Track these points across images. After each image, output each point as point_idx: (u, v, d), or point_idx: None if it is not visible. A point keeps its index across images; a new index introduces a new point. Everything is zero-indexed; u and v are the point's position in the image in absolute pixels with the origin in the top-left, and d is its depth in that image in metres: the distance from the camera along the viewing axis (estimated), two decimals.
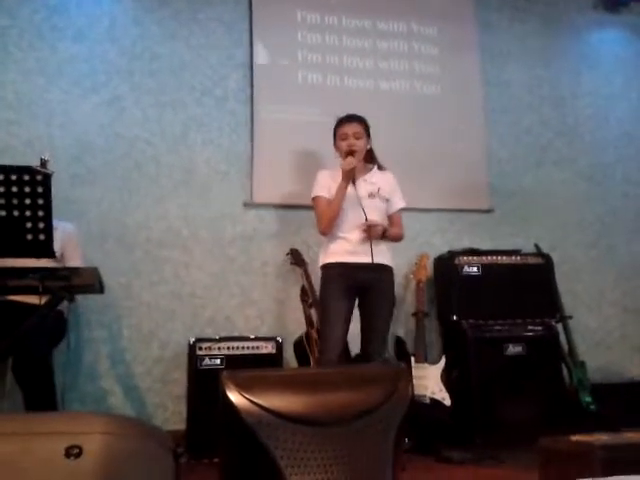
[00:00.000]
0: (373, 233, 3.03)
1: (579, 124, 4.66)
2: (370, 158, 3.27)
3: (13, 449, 1.27)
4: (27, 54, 3.72)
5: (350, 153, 3.10)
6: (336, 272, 3.08)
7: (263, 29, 4.08)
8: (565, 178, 4.55)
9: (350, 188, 3.07)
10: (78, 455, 1.26)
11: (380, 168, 3.29)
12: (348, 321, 3.08)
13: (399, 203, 3.28)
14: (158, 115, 3.87)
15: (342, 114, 3.24)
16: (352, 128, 3.16)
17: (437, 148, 4.26)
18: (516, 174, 4.46)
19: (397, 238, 3.25)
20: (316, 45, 4.17)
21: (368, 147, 3.23)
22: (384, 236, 3.12)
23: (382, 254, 3.10)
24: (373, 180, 3.19)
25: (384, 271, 3.12)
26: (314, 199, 3.21)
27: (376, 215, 3.10)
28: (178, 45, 3.97)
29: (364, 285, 3.07)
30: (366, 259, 3.01)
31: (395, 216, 3.26)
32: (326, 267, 3.14)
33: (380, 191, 3.17)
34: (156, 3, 3.97)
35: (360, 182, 3.12)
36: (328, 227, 3.12)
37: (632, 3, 4.77)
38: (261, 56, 4.05)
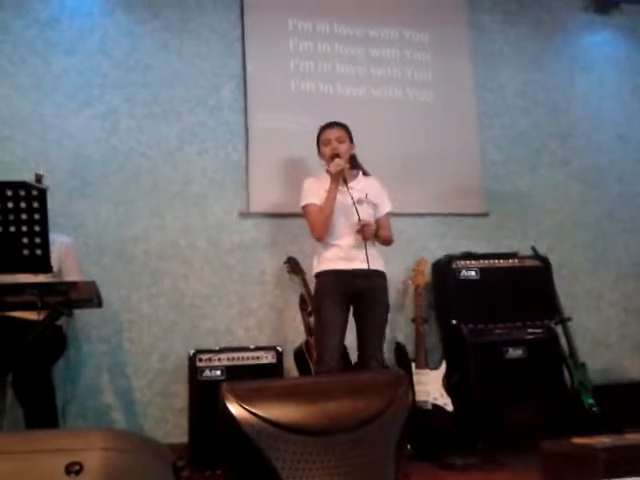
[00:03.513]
0: (367, 233, 3.02)
1: (573, 126, 4.67)
2: (354, 164, 3.28)
3: (13, 467, 1.27)
4: (20, 69, 3.72)
5: (336, 155, 3.10)
6: (331, 279, 3.07)
7: (255, 38, 4.09)
8: (560, 180, 4.56)
9: (340, 195, 3.07)
10: (79, 472, 1.26)
11: (365, 174, 3.30)
12: (345, 328, 3.07)
13: (387, 207, 3.28)
14: (153, 127, 3.88)
15: (328, 121, 3.26)
16: (334, 133, 3.17)
17: (432, 153, 4.27)
18: (511, 177, 4.47)
19: (387, 241, 3.24)
20: (308, 53, 4.18)
21: (352, 152, 3.24)
22: (376, 236, 3.12)
23: (376, 260, 3.10)
24: (359, 187, 3.19)
25: (379, 277, 3.12)
26: (304, 207, 3.20)
27: (365, 219, 3.08)
28: (171, 56, 3.98)
29: (359, 292, 3.06)
30: (361, 265, 3.01)
31: (384, 219, 3.26)
32: (321, 275, 3.13)
33: (368, 197, 3.17)
34: (147, 15, 3.98)
35: (349, 190, 3.10)
36: (323, 231, 3.11)
37: (623, 4, 4.80)
38: (254, 65, 4.06)
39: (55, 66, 3.78)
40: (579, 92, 4.74)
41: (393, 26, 4.38)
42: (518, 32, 4.68)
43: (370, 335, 3.08)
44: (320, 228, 3.11)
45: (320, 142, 3.23)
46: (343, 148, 3.16)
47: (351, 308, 3.12)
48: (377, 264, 3.10)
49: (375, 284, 3.10)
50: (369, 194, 3.18)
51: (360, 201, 3.11)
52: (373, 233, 3.08)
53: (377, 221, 3.21)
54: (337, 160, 3.07)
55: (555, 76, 4.70)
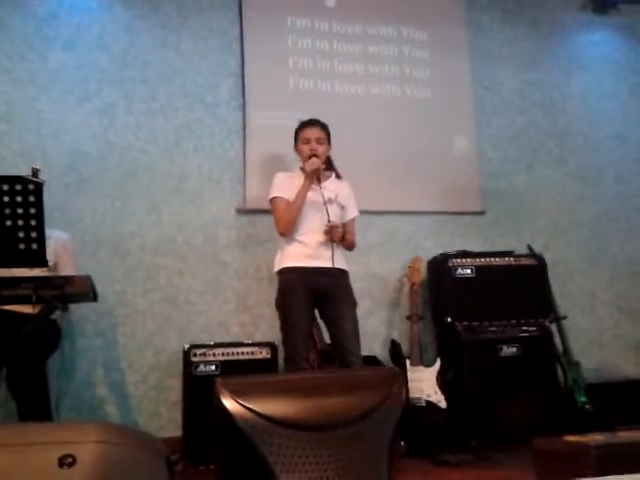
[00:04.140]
0: (335, 234, 3.02)
1: (570, 125, 4.68)
2: (329, 166, 3.28)
3: (6, 460, 1.27)
4: (17, 64, 3.72)
5: (313, 155, 3.11)
6: (295, 277, 3.05)
7: (253, 35, 4.09)
8: (557, 179, 4.57)
9: (311, 192, 3.08)
10: (71, 464, 1.26)
11: (337, 177, 3.31)
12: (311, 326, 3.10)
13: (353, 212, 3.29)
14: (150, 123, 3.88)
15: (309, 118, 3.26)
16: (315, 133, 3.18)
17: (428, 151, 4.28)
18: (508, 176, 4.47)
19: (351, 245, 3.25)
20: (307, 51, 4.18)
21: (328, 153, 3.25)
22: (342, 239, 3.12)
23: (340, 259, 3.11)
24: (331, 187, 3.19)
25: (343, 276, 3.13)
26: (272, 200, 3.19)
27: (333, 220, 3.08)
28: (169, 52, 3.98)
29: (324, 290, 3.04)
30: (326, 264, 3.02)
31: (350, 224, 3.27)
32: (284, 271, 3.10)
33: (337, 198, 3.18)
34: (146, 10, 3.98)
35: (320, 189, 3.10)
36: (289, 227, 3.10)
37: (620, 4, 4.80)
38: (252, 62, 4.06)
39: (52, 61, 3.78)
40: (576, 91, 4.75)
41: (391, 24, 4.38)
42: (516, 31, 4.69)
43: (345, 334, 3.04)
44: (286, 224, 3.11)
45: (298, 138, 3.22)
46: (321, 150, 3.17)
47: (316, 310, 3.11)
48: (341, 263, 3.11)
49: (340, 283, 3.10)
50: (339, 195, 3.19)
51: (330, 201, 3.11)
52: (340, 236, 3.07)
53: (343, 225, 3.19)
54: (314, 159, 3.08)
55: (553, 75, 4.71)
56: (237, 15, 4.10)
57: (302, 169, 3.18)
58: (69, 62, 3.80)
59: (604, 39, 4.90)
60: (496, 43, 4.63)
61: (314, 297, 3.06)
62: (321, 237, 3.06)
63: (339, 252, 3.13)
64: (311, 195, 3.08)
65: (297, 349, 2.98)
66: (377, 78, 4.29)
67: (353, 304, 3.13)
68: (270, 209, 3.25)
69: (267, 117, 4.02)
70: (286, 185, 3.17)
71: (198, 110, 3.97)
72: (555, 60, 4.75)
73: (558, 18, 4.79)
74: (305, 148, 3.17)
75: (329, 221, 3.02)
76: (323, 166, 3.15)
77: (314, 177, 3.07)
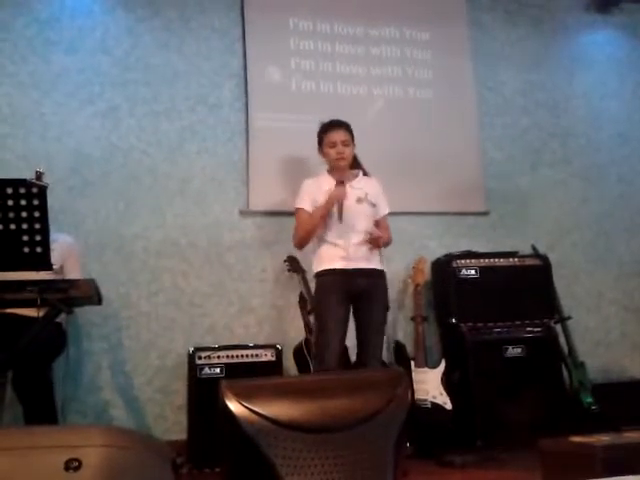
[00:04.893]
0: (378, 243, 3.06)
1: (573, 125, 4.67)
2: (355, 164, 3.28)
3: (12, 463, 1.27)
4: (20, 67, 3.73)
5: (341, 159, 3.12)
6: (332, 279, 3.07)
7: (256, 36, 4.09)
8: (560, 179, 4.56)
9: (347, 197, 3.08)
10: (77, 468, 1.26)
11: (365, 174, 3.30)
12: (346, 327, 3.07)
13: (385, 208, 3.29)
14: (153, 125, 3.88)
15: (326, 119, 3.25)
16: (340, 136, 3.15)
17: (432, 152, 4.27)
18: (512, 176, 4.46)
19: (388, 243, 3.27)
20: (309, 52, 4.18)
21: (353, 153, 3.24)
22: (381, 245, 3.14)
23: (375, 259, 3.12)
24: (359, 186, 3.19)
25: (378, 276, 3.13)
26: (297, 210, 3.21)
27: (364, 220, 3.10)
28: (171, 54, 3.98)
29: (360, 291, 3.06)
30: (361, 265, 3.03)
31: (382, 221, 3.28)
32: (321, 274, 3.13)
33: (368, 196, 3.17)
34: (148, 13, 3.98)
35: (348, 189, 3.11)
36: (304, 243, 3.18)
37: (623, 3, 4.79)
38: (254, 63, 4.06)
39: (55, 65, 3.79)
40: (579, 91, 4.74)
41: (393, 25, 4.37)
42: (519, 31, 4.68)
43: (370, 335, 3.08)
44: (300, 239, 3.17)
45: (324, 142, 3.20)
46: (348, 152, 3.16)
47: (351, 308, 3.12)
48: (376, 263, 3.11)
49: (375, 283, 3.11)
50: (369, 194, 3.19)
51: (360, 200, 3.13)
52: (381, 245, 3.10)
53: (376, 222, 3.22)
54: (340, 188, 3.06)
55: (555, 75, 4.70)
56: (239, 16, 4.10)
57: (329, 172, 3.19)
58: (72, 65, 3.81)
59: (607, 38, 4.89)
60: (498, 43, 4.62)
61: (350, 299, 3.08)
62: (357, 239, 3.07)
63: (374, 252, 3.12)
64: (346, 199, 3.09)
65: (328, 349, 2.98)
66: (379, 79, 4.29)
67: (384, 306, 3.14)
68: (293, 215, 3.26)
69: (269, 118, 4.02)
70: (312, 193, 3.17)
71: (201, 112, 3.97)
72: (558, 60, 4.74)
73: (561, 18, 4.78)
74: (332, 152, 3.15)
75: (370, 233, 3.04)
76: (351, 178, 3.15)
77: (336, 203, 3.07)
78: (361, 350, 3.11)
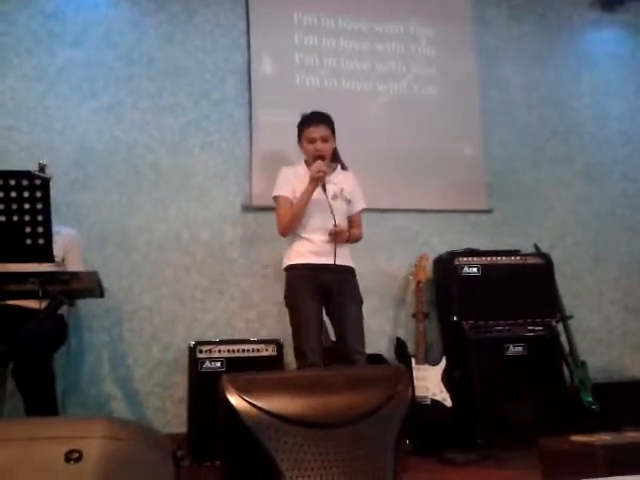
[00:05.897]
0: (339, 239, 3.02)
1: (577, 123, 4.66)
2: (334, 157, 3.23)
3: (12, 454, 1.27)
4: (25, 60, 3.73)
5: (320, 157, 3.07)
6: (303, 273, 3.04)
7: (260, 31, 4.09)
8: (564, 177, 4.55)
9: (317, 191, 3.04)
10: (78, 459, 1.27)
11: (343, 167, 3.26)
12: (321, 321, 3.05)
13: (360, 204, 3.26)
14: (157, 119, 3.88)
15: (312, 113, 3.20)
16: (320, 132, 3.11)
17: (435, 149, 4.26)
18: (515, 174, 4.46)
19: (356, 239, 3.24)
20: (313, 48, 4.17)
21: (333, 146, 3.19)
22: (347, 241, 3.12)
23: (344, 256, 3.08)
24: (336, 181, 3.16)
25: (347, 273, 3.10)
26: (275, 198, 3.18)
27: (339, 216, 3.06)
28: (175, 49, 3.98)
29: (328, 287, 3.02)
30: (329, 260, 2.98)
31: (356, 217, 3.25)
32: (291, 268, 3.10)
33: (343, 192, 3.15)
34: (153, 7, 3.98)
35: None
36: (289, 229, 3.12)
37: (628, 2, 4.78)
38: (258, 59, 4.06)
39: (60, 58, 3.78)
40: (583, 89, 4.72)
41: (398, 21, 4.37)
42: (523, 28, 4.67)
43: (350, 331, 3.02)
44: (287, 225, 3.11)
45: (302, 136, 3.16)
46: (327, 148, 3.11)
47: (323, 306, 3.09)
48: (344, 260, 3.08)
49: (344, 279, 3.07)
50: (345, 189, 3.16)
51: (335, 196, 3.10)
52: (345, 239, 3.07)
53: (349, 218, 3.20)
54: (319, 163, 3.03)
55: (560, 73, 4.69)
56: (244, 11, 4.09)
57: (306, 163, 3.15)
58: (76, 58, 3.81)
59: (612, 37, 4.88)
60: (503, 40, 4.61)
61: (321, 293, 3.05)
62: (327, 236, 3.04)
63: (344, 249, 3.10)
64: (317, 194, 3.05)
65: (308, 344, 2.95)
66: (383, 75, 4.28)
67: (359, 301, 3.11)
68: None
69: (273, 114, 4.02)
70: (290, 181, 3.15)
71: (205, 106, 3.97)
72: (562, 57, 4.72)
73: (565, 15, 4.77)
74: (310, 148, 3.12)
75: (334, 225, 2.99)
76: (329, 169, 3.11)
77: (319, 183, 3.03)
78: (344, 348, 3.03)
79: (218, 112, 3.98)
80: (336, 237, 3.00)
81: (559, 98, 4.65)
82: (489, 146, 4.42)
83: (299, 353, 3.00)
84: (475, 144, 4.38)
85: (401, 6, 4.39)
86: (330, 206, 3.00)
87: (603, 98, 4.76)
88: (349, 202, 3.19)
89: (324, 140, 3.11)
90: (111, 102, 3.82)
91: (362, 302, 3.14)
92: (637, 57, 4.89)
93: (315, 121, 3.14)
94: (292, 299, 3.08)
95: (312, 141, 3.11)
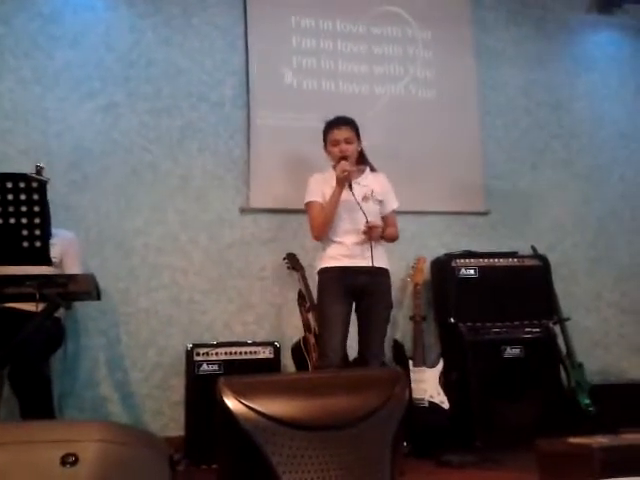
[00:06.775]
0: (374, 234, 3.02)
1: (575, 126, 4.67)
2: (362, 160, 3.26)
3: (8, 458, 1.27)
4: (23, 62, 3.72)
5: (343, 158, 3.08)
6: (334, 276, 3.07)
7: (258, 34, 4.09)
8: (562, 180, 4.56)
9: (345, 192, 3.05)
10: (74, 463, 1.26)
11: (372, 170, 3.28)
12: (347, 324, 3.06)
13: (393, 204, 3.27)
14: (154, 121, 3.88)
15: (331, 117, 3.23)
16: (343, 134, 3.14)
17: (433, 151, 4.27)
18: (512, 176, 4.46)
19: (393, 238, 3.25)
20: (311, 50, 4.17)
21: (359, 149, 3.22)
22: (382, 237, 3.13)
23: (380, 257, 3.09)
24: (366, 182, 3.18)
25: (382, 275, 3.11)
26: (307, 204, 3.20)
27: (371, 218, 3.07)
28: (173, 51, 3.98)
29: (362, 289, 3.05)
30: (364, 262, 3.01)
31: (390, 217, 3.26)
32: (323, 271, 3.12)
33: (374, 193, 3.16)
34: (151, 9, 3.97)
35: (354, 185, 3.09)
36: (322, 232, 3.13)
37: (626, 4, 4.78)
38: (256, 61, 4.05)
39: (58, 60, 3.78)
40: (582, 91, 4.73)
41: (396, 23, 4.37)
42: (521, 31, 4.67)
43: (372, 333, 3.08)
44: (319, 228, 3.13)
45: (327, 140, 3.19)
46: (351, 149, 3.14)
47: (353, 305, 3.11)
48: (381, 261, 3.09)
49: (378, 281, 3.09)
50: (375, 191, 3.16)
51: (366, 198, 3.11)
52: (380, 234, 3.08)
53: (383, 218, 3.21)
54: (343, 163, 3.03)
55: (558, 75, 4.69)
56: (242, 13, 4.09)
57: (334, 168, 3.15)
58: (74, 60, 3.81)
59: (610, 39, 4.89)
60: (501, 43, 4.62)
61: (352, 296, 3.07)
62: (358, 237, 3.05)
63: (380, 250, 3.11)
64: (345, 195, 3.05)
65: (330, 345, 2.98)
66: (381, 78, 4.28)
67: (387, 304, 3.14)
68: (305, 211, 3.25)
69: (271, 116, 4.02)
70: (320, 186, 3.17)
71: (202, 109, 3.96)
72: (560, 60, 4.73)
73: (564, 18, 4.78)
74: (335, 150, 3.14)
75: (367, 221, 3.00)
76: (354, 169, 3.12)
77: (345, 183, 3.04)
78: (362, 349, 3.11)
79: (216, 114, 3.98)
80: (371, 233, 3.00)
81: (557, 100, 4.66)
82: (487, 148, 4.43)
83: (321, 353, 3.06)
84: (473, 146, 4.38)
85: (398, 9, 4.39)
86: (359, 205, 3.01)
87: (601, 100, 4.77)
88: (381, 203, 3.20)
89: (348, 142, 3.13)
90: (109, 104, 3.82)
91: (391, 306, 3.18)
92: (635, 59, 4.90)
93: (338, 124, 3.18)
94: (320, 300, 3.12)
95: (336, 143, 3.14)
